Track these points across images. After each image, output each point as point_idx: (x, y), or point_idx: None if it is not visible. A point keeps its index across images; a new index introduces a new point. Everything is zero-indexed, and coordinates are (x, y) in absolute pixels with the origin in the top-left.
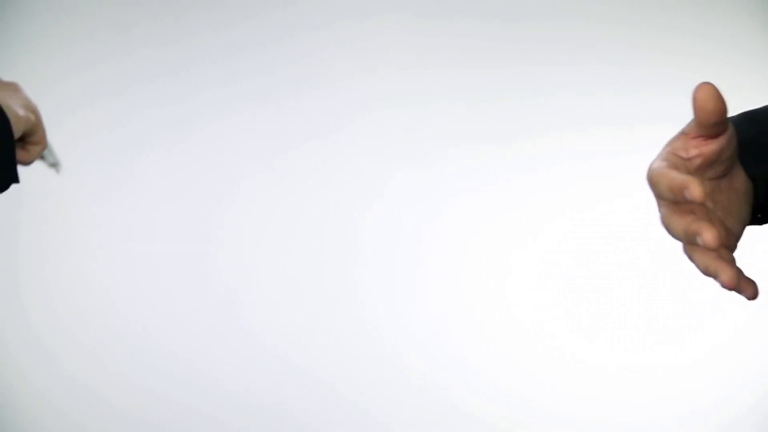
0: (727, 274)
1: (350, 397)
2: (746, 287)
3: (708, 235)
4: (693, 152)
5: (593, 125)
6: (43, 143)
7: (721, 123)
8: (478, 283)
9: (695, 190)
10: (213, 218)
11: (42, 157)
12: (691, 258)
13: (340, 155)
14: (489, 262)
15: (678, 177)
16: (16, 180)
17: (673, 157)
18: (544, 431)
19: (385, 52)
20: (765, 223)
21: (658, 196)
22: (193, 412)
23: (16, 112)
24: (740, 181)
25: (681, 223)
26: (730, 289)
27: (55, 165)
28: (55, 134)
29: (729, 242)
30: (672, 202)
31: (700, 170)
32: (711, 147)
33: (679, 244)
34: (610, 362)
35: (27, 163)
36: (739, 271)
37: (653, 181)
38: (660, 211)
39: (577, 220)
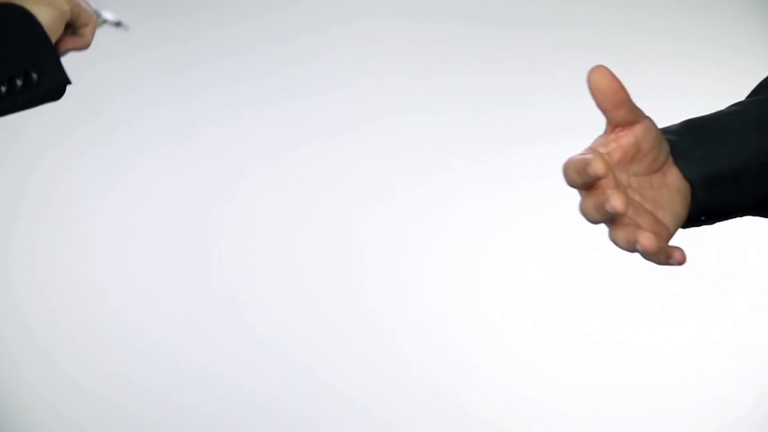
0: (645, 236)
1: (353, 397)
2: (673, 252)
3: (614, 199)
4: (611, 146)
5: (597, 132)
6: (92, 21)
7: (623, 104)
8: (481, 284)
9: (596, 163)
10: (214, 218)
11: (104, 23)
12: (615, 240)
13: (344, 156)
14: (491, 263)
15: (581, 157)
16: (67, 81)
17: (592, 152)
18: (544, 429)
19: (389, 57)
20: (707, 224)
21: (571, 185)
22: (194, 412)
23: (47, 11)
24: (673, 178)
25: (591, 200)
26: (651, 252)
27: (119, 24)
28: (57, 135)
29: (660, 232)
30: (586, 187)
31: (622, 165)
32: (627, 138)
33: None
34: (610, 361)
35: (86, 46)
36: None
37: (563, 172)
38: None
39: (579, 224)
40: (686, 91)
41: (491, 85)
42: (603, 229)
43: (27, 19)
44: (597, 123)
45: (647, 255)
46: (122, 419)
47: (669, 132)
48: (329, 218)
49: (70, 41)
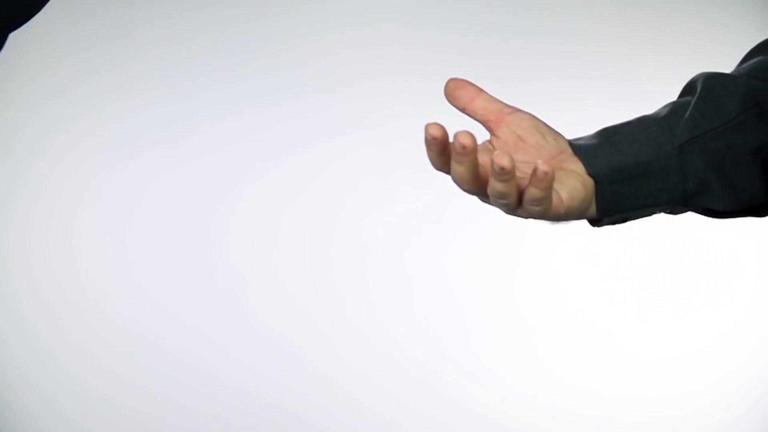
0: (499, 155)
1: (358, 397)
2: (537, 166)
3: (461, 136)
4: (492, 138)
5: None
6: None
7: (474, 96)
8: (484, 284)
9: (429, 127)
10: (217, 218)
11: None
12: (492, 191)
13: (348, 157)
14: (492, 263)
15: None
16: None
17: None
18: (545, 427)
19: (392, 59)
20: (621, 221)
21: (437, 167)
22: (196, 412)
23: None
24: (573, 166)
25: (451, 161)
26: (507, 169)
27: None
28: (60, 137)
29: (552, 203)
30: (446, 163)
31: (506, 148)
32: (501, 129)
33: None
34: (609, 361)
35: None
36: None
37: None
38: None
39: (581, 225)
40: None
41: (495, 90)
42: (604, 231)
43: None
44: (597, 127)
45: (507, 180)
46: (123, 419)
47: (583, 138)
48: (334, 219)
49: None
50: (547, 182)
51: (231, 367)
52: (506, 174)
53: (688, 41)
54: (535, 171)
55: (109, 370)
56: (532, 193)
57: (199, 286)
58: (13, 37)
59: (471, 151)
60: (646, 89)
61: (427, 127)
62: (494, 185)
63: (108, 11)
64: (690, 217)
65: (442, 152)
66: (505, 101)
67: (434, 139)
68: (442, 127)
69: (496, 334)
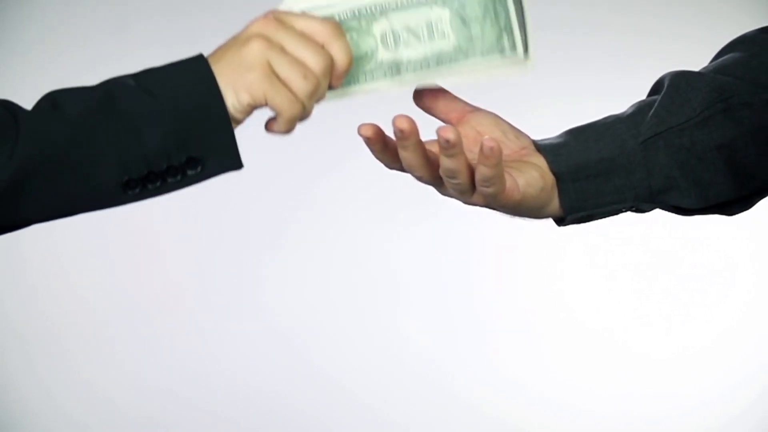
0: (445, 128)
1: (364, 398)
2: (484, 142)
3: (398, 121)
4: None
5: None
6: (286, 112)
7: (437, 97)
8: (489, 285)
9: (361, 128)
10: (225, 222)
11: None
12: (444, 168)
13: (355, 162)
14: (496, 264)
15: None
16: (239, 166)
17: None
18: (544, 424)
19: None
20: (586, 220)
21: (386, 164)
22: (203, 412)
23: (236, 95)
24: (535, 159)
25: (398, 150)
26: (453, 142)
27: (344, 93)
28: None
29: (505, 185)
30: (394, 157)
31: (466, 147)
32: (463, 127)
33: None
34: (609, 359)
35: (286, 131)
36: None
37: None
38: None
39: (584, 226)
40: None
41: (503, 88)
42: (608, 231)
43: (209, 90)
44: None
45: (449, 153)
46: (127, 421)
47: (549, 138)
48: (340, 221)
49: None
50: (494, 158)
51: (237, 368)
52: (453, 147)
53: (688, 37)
54: (481, 147)
55: (118, 370)
56: (482, 171)
57: (205, 288)
58: (10, 39)
59: (410, 134)
60: (647, 85)
61: (359, 129)
62: (444, 162)
63: (102, 13)
64: (688, 217)
65: (385, 149)
66: (504, 99)
67: (368, 139)
68: (373, 126)
69: (498, 333)
